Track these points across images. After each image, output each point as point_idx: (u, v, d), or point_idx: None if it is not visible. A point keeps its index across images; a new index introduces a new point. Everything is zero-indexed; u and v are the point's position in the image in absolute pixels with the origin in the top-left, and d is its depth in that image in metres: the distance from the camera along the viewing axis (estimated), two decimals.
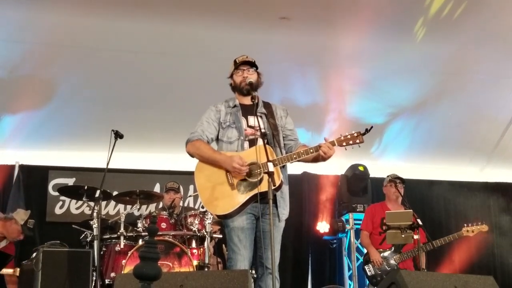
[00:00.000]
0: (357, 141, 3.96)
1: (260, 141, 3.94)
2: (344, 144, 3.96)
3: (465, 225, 6.18)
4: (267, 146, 3.75)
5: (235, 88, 4.21)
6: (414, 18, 6.92)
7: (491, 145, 8.84)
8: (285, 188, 4.08)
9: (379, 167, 8.32)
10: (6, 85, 7.16)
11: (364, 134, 3.97)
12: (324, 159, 3.93)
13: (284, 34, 6.99)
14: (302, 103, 7.88)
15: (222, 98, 4.26)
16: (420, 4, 6.68)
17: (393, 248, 6.20)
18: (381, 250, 6.29)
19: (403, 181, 6.56)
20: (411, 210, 5.61)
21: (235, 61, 4.21)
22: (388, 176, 6.72)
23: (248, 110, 4.11)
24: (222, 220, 4.15)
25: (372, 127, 3.97)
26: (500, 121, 8.51)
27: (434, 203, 8.90)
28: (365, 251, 6.71)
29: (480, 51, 7.38)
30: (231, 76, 4.24)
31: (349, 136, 3.96)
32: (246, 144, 4.03)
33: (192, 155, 4.09)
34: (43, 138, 7.79)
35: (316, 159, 3.99)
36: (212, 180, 3.95)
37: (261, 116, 4.10)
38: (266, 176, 3.58)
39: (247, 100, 4.13)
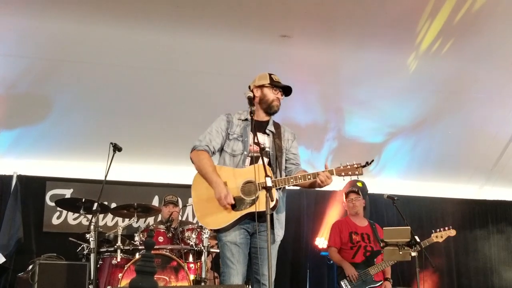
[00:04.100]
0: (356, 172, 3.94)
1: (260, 161, 3.91)
2: (343, 174, 3.94)
3: (433, 231, 6.21)
4: (267, 167, 3.74)
5: (262, 102, 4.15)
6: (413, 38, 7.00)
7: (490, 163, 8.85)
8: (282, 210, 4.06)
9: (377, 183, 8.32)
10: (4, 101, 7.16)
11: (364, 166, 3.96)
12: (320, 186, 3.93)
13: (285, 52, 7.02)
14: (302, 122, 7.90)
15: (221, 112, 4.25)
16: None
17: (366, 261, 6.20)
18: (354, 263, 6.26)
19: (358, 192, 6.62)
20: (409, 227, 5.58)
21: (271, 77, 4.17)
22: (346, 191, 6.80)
23: (258, 127, 4.08)
24: (216, 234, 4.13)
25: (373, 160, 4.00)
26: (499, 139, 8.53)
27: (432, 220, 8.88)
28: None
29: (478, 70, 7.44)
30: (261, 87, 4.18)
31: (348, 167, 3.94)
32: (248, 160, 4.01)
33: (193, 163, 4.08)
34: (41, 149, 7.78)
35: (312, 185, 3.98)
36: (208, 194, 3.93)
37: (268, 134, 4.10)
38: (261, 196, 3.58)
39: (261, 117, 4.13)
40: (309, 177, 3.88)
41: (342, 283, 6.22)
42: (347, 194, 6.70)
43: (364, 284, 6.11)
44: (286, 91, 4.22)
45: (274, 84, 4.15)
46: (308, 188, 4.06)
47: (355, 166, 3.94)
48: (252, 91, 4.16)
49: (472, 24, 6.71)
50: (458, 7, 6.57)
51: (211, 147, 4.06)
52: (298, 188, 8.12)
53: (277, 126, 4.23)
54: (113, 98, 7.35)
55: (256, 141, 3.97)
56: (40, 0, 6.19)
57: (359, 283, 6.13)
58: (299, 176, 3.89)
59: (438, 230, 6.18)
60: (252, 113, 3.97)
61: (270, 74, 4.19)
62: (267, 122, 4.09)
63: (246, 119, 4.15)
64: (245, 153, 4.03)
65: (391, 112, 8.00)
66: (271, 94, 4.14)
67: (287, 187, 4.15)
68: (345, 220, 6.66)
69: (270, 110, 4.13)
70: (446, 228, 6.20)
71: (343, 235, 6.45)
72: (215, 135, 4.10)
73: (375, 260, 6.20)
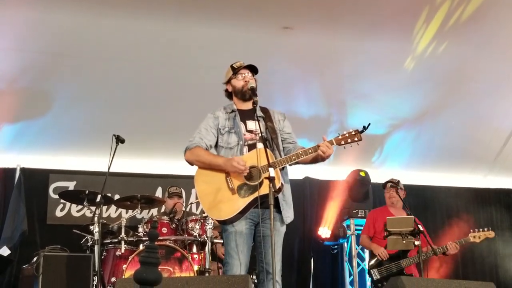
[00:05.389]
0: (356, 139, 3.93)
1: (259, 145, 3.91)
2: (343, 142, 3.92)
3: (471, 230, 6.15)
4: (269, 152, 3.73)
5: (235, 93, 4.17)
6: (414, 31, 7.01)
7: (493, 153, 8.84)
8: (287, 190, 4.04)
9: (380, 173, 8.33)
10: (7, 96, 7.16)
11: (362, 132, 3.94)
12: (323, 158, 3.89)
13: (287, 44, 7.01)
14: (304, 114, 7.91)
15: (223, 104, 4.26)
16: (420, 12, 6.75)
17: (399, 253, 6.16)
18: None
19: (398, 184, 6.56)
20: (413, 216, 5.60)
21: (232, 66, 4.18)
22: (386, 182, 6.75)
23: (246, 115, 4.09)
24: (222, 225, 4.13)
25: (369, 124, 3.94)
26: (502, 130, 8.52)
27: (436, 209, 8.90)
28: (366, 257, 6.64)
29: (481, 61, 7.43)
30: (229, 82, 4.21)
31: (347, 135, 3.94)
32: (246, 149, 4.01)
33: (191, 163, 4.06)
34: (44, 143, 7.79)
35: (315, 160, 3.96)
36: (212, 185, 3.93)
37: (259, 120, 4.08)
38: (265, 180, 3.57)
39: (245, 105, 4.13)
40: (310, 151, 3.86)
41: (372, 271, 6.22)
42: (385, 185, 6.67)
43: (394, 275, 6.05)
44: (254, 69, 4.19)
45: (236, 71, 4.14)
46: (311, 163, 4.02)
47: (353, 132, 3.93)
48: (226, 89, 4.23)
49: (473, 15, 6.71)
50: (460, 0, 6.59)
51: (203, 144, 4.05)
52: (301, 178, 8.33)
53: (265, 110, 4.22)
54: (115, 91, 7.35)
55: (248, 129, 4.02)
56: None
57: (389, 274, 6.10)
58: (300, 152, 3.87)
59: (476, 230, 6.12)
60: (255, 103, 3.97)
61: (232, 65, 4.20)
62: (253, 109, 4.04)
63: (233, 111, 4.15)
64: (241, 143, 4.03)
65: (393, 104, 8.00)
66: (238, 82, 4.14)
67: (288, 172, 4.14)
68: (382, 210, 6.63)
69: (244, 96, 4.11)
70: (486, 229, 6.14)
71: (377, 224, 6.41)
72: (204, 133, 4.10)
73: (407, 253, 6.13)
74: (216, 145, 4.14)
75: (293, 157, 3.87)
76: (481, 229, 6.13)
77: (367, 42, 7.07)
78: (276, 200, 3.89)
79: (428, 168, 8.98)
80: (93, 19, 6.51)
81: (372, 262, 6.29)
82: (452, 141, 8.54)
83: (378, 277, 6.15)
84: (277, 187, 3.76)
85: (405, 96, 7.88)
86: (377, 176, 8.15)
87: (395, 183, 6.55)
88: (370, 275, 6.28)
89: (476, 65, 7.49)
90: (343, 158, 7.63)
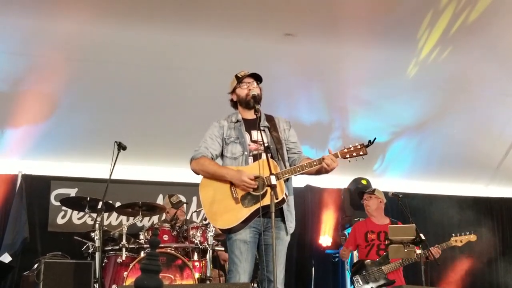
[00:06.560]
0: (361, 153, 3.94)
1: (264, 156, 3.92)
2: (348, 156, 3.93)
3: (454, 234, 6.15)
4: (270, 160, 3.74)
5: (240, 102, 4.18)
6: (417, 37, 7.02)
7: (496, 162, 8.82)
8: (291, 200, 4.06)
9: (382, 182, 8.31)
10: (8, 99, 7.17)
11: (367, 146, 3.95)
12: (327, 171, 3.91)
13: (288, 51, 7.02)
14: (306, 121, 7.91)
15: (227, 112, 4.26)
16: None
17: (381, 259, 6.16)
18: (368, 261, 6.25)
19: (372, 192, 6.55)
20: (414, 225, 5.56)
21: (237, 76, 4.19)
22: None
23: (251, 125, 4.09)
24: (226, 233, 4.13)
25: (375, 138, 3.94)
26: (504, 138, 8.50)
27: (438, 218, 8.86)
28: None
29: (484, 69, 7.43)
30: (233, 91, 4.21)
31: (352, 148, 3.94)
32: (251, 159, 4.01)
33: (197, 172, 4.07)
34: (46, 149, 7.79)
35: (319, 171, 3.96)
36: (216, 194, 3.94)
37: (264, 130, 4.07)
38: (269, 191, 3.58)
39: (250, 115, 4.12)
40: (314, 163, 3.87)
41: (354, 278, 6.22)
42: (361, 196, 6.65)
43: (376, 281, 6.08)
44: (258, 78, 4.19)
45: (240, 80, 4.15)
46: (315, 174, 4.02)
47: (358, 146, 3.94)
48: (231, 99, 4.23)
49: (477, 21, 6.71)
50: (464, 5, 6.59)
51: (209, 153, 4.06)
52: (302, 186, 8.31)
53: (270, 118, 4.22)
54: (118, 97, 7.36)
55: (253, 139, 4.02)
56: (45, 0, 6.20)
57: (372, 279, 6.11)
58: (305, 164, 3.89)
59: (458, 234, 6.11)
60: (256, 111, 3.98)
61: (236, 74, 4.20)
62: (258, 119, 4.03)
63: (238, 121, 4.15)
64: (246, 153, 4.03)
65: (395, 111, 8.01)
66: (242, 91, 4.14)
67: (293, 181, 4.14)
68: (365, 221, 6.63)
69: (248, 105, 4.11)
70: (467, 232, 6.12)
71: (358, 236, 6.44)
72: (210, 142, 4.10)
73: (390, 259, 6.08)
74: (222, 154, 4.15)
75: (298, 169, 3.89)
76: (463, 233, 6.12)
77: (369, 48, 7.08)
78: (281, 210, 3.90)
79: (430, 178, 8.96)
80: (97, 25, 6.53)
81: (354, 269, 6.29)
82: (454, 149, 8.52)
83: (361, 283, 6.15)
84: (280, 198, 3.78)
85: (407, 103, 7.89)
86: (379, 184, 8.11)
87: (370, 192, 6.55)
88: (352, 283, 6.27)
89: (479, 72, 7.50)
90: (345, 166, 7.62)
